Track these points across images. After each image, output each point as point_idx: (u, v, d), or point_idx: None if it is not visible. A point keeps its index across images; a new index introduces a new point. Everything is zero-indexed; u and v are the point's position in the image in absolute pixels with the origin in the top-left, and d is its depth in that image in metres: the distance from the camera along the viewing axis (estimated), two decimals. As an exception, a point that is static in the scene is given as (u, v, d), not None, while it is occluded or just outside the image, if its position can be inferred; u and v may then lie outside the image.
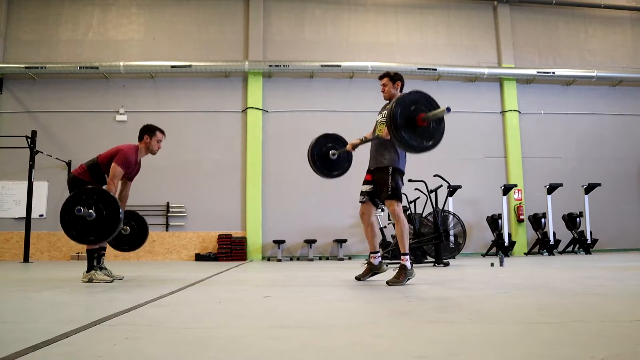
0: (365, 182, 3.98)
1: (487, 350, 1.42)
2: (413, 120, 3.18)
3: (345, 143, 4.45)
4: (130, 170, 4.38)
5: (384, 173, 3.79)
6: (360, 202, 4.00)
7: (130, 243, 4.70)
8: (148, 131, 4.48)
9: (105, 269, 4.27)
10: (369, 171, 3.99)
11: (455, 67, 11.08)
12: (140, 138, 4.48)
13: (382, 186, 3.78)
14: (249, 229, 10.33)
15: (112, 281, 4.06)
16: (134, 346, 1.53)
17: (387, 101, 4.06)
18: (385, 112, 3.95)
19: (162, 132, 4.59)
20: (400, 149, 3.80)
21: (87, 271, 4.09)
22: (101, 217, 3.71)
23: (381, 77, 4.05)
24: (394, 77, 4.00)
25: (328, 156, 4.43)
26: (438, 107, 3.29)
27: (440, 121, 3.30)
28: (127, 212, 4.52)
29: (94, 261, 4.13)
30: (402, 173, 3.87)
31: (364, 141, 4.11)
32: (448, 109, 3.05)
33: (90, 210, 3.67)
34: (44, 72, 10.45)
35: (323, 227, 10.41)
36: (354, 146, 4.18)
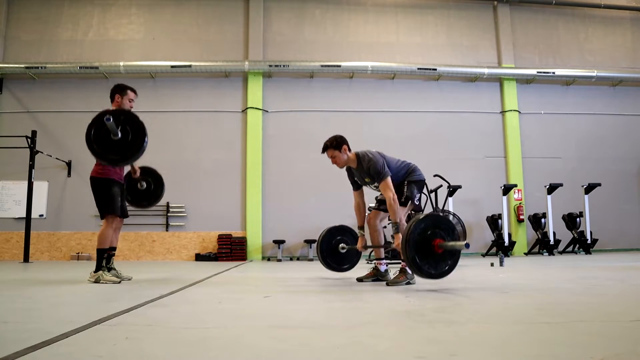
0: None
1: (487, 350, 1.42)
2: (429, 244, 3.06)
3: (354, 234, 4.44)
4: None
5: (400, 185, 3.82)
6: (371, 208, 4.04)
7: (147, 198, 4.77)
8: (119, 90, 4.40)
9: (114, 269, 4.20)
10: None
11: (455, 67, 11.07)
12: (112, 99, 4.41)
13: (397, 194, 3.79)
14: (249, 229, 10.32)
15: (119, 282, 3.98)
16: (134, 346, 1.53)
17: (346, 169, 3.96)
18: (370, 186, 3.88)
19: (133, 90, 4.50)
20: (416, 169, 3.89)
21: (95, 271, 4.01)
22: (126, 138, 3.66)
23: (324, 150, 3.83)
24: (337, 145, 3.78)
25: (337, 250, 4.42)
26: (457, 236, 3.16)
27: (455, 252, 3.16)
28: (144, 168, 4.61)
29: (103, 261, 4.04)
30: (419, 183, 3.88)
31: (373, 245, 4.06)
32: (467, 245, 2.89)
33: (117, 128, 3.59)
34: (44, 72, 10.45)
35: (323, 227, 10.32)
36: (364, 247, 4.04)
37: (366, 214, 4.11)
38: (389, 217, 3.92)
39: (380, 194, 3.95)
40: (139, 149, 3.68)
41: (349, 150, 3.83)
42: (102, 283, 3.90)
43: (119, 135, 3.63)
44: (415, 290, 3.22)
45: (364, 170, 3.77)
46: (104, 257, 4.06)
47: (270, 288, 3.54)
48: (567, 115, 11.57)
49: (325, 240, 4.43)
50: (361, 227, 4.06)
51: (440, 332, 1.71)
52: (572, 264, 6.54)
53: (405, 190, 3.81)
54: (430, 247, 3.06)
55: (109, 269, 4.11)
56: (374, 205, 4.06)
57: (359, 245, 4.04)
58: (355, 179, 3.98)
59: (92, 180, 4.15)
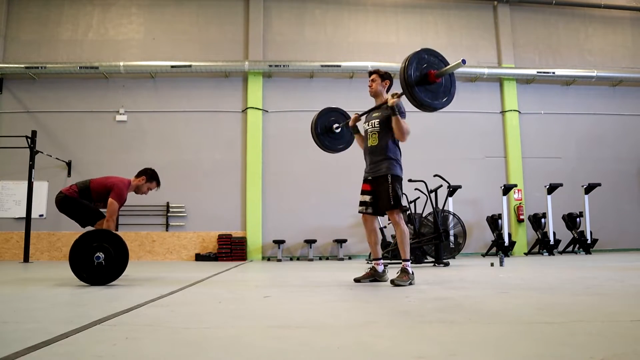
0: (364, 192, 3.92)
1: (487, 350, 1.42)
2: (426, 77, 3.15)
3: (347, 116, 4.50)
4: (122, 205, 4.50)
5: (384, 183, 3.76)
6: (359, 212, 3.95)
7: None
8: (149, 177, 4.61)
9: None
10: (366, 180, 3.93)
11: (455, 67, 11.06)
12: (138, 176, 4.60)
13: (383, 197, 3.76)
14: (249, 229, 10.32)
15: None
16: (134, 346, 1.53)
17: (372, 107, 4.02)
18: (373, 121, 3.91)
19: (159, 184, 4.71)
20: (398, 154, 3.87)
21: None
22: (110, 259, 3.69)
23: (371, 73, 4.05)
24: (384, 75, 4.01)
25: (332, 130, 4.45)
26: (448, 63, 3.25)
27: (451, 76, 3.28)
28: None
29: None
30: (400, 180, 3.86)
31: (362, 114, 4.16)
32: (463, 61, 3.02)
33: (100, 254, 3.67)
34: (44, 72, 10.45)
35: (323, 227, 10.41)
36: (356, 121, 4.20)
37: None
38: (388, 217, 3.91)
39: (362, 194, 3.93)
40: (124, 268, 3.79)
41: (388, 90, 4.01)
42: None
43: (102, 258, 3.69)
44: (416, 290, 3.22)
45: (382, 107, 3.86)
46: None
47: (270, 288, 3.54)
48: (567, 115, 11.57)
49: (320, 121, 4.45)
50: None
51: (440, 332, 1.71)
52: (572, 264, 6.54)
53: (390, 190, 3.73)
54: (427, 79, 3.16)
55: None
56: (363, 209, 3.95)
57: (351, 122, 4.19)
58: (365, 117, 4.08)
59: (62, 200, 4.39)
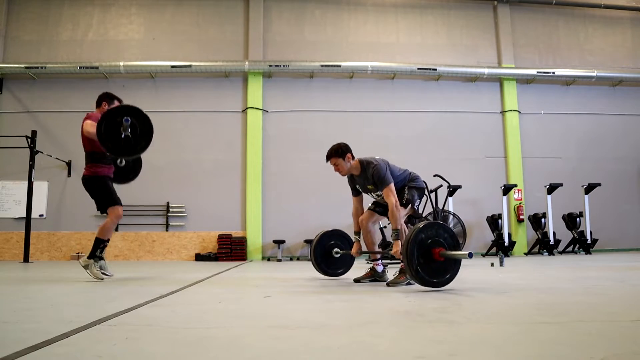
0: (379, 195, 3.96)
1: (487, 350, 1.42)
2: (429, 252, 3.04)
3: (348, 239, 4.44)
4: None
5: (400, 189, 3.83)
6: (368, 208, 4.04)
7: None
8: (107, 98, 4.60)
9: (103, 259, 4.32)
10: None
11: (455, 67, 11.07)
12: (98, 104, 4.59)
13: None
14: (249, 229, 10.32)
15: (102, 279, 4.14)
16: (134, 346, 1.53)
17: (349, 176, 3.97)
18: (374, 193, 3.90)
19: (120, 101, 4.66)
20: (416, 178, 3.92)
21: (88, 257, 4.19)
22: (135, 133, 3.98)
23: (328, 158, 3.85)
24: (341, 153, 3.79)
25: (331, 254, 4.39)
26: (459, 246, 3.14)
27: (456, 262, 3.15)
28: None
29: (98, 251, 4.23)
30: (419, 190, 3.92)
31: (368, 251, 4.05)
32: (470, 255, 2.87)
33: (128, 124, 3.89)
34: (44, 72, 10.44)
35: (323, 227, 10.26)
36: (359, 252, 4.06)
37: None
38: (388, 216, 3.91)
39: (381, 197, 3.95)
40: (147, 145, 4.05)
41: (353, 158, 3.85)
42: (88, 273, 4.13)
43: (129, 132, 3.92)
44: (415, 290, 3.22)
45: (368, 178, 3.78)
46: (100, 247, 4.26)
47: (270, 288, 3.54)
48: (567, 115, 11.57)
49: (319, 245, 4.39)
50: (357, 233, 4.07)
51: (440, 332, 1.71)
52: (572, 264, 6.54)
53: (406, 193, 3.86)
54: (430, 256, 3.04)
55: (100, 259, 4.26)
56: (370, 206, 4.05)
57: (353, 251, 4.05)
58: (357, 186, 3.99)
59: (87, 180, 4.34)
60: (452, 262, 3.11)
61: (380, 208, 3.97)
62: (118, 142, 3.94)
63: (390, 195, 3.64)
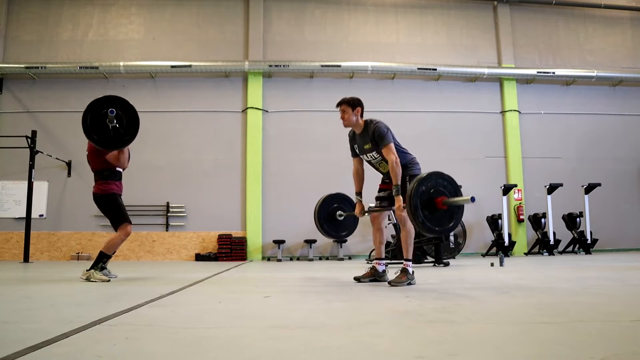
0: (381, 190, 3.96)
1: (487, 350, 1.42)
2: (432, 202, 3.07)
3: (351, 202, 4.42)
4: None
5: (403, 183, 3.76)
6: (374, 207, 3.99)
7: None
8: None
9: (106, 268, 4.31)
10: (384, 181, 3.97)
11: (455, 67, 11.07)
12: None
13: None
14: (249, 229, 10.32)
15: (109, 280, 4.12)
16: (134, 346, 1.53)
17: (351, 131, 3.95)
18: (372, 153, 3.81)
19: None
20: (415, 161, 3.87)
21: (88, 269, 4.18)
22: (122, 125, 4.01)
23: (339, 104, 3.88)
24: (353, 104, 3.83)
25: (335, 217, 4.40)
26: (460, 192, 3.18)
27: (460, 207, 3.19)
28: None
29: (100, 264, 4.21)
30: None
31: (370, 210, 4.02)
32: (472, 199, 2.93)
33: (113, 116, 3.92)
34: (44, 72, 10.44)
35: (323, 227, 10.38)
36: (362, 212, 4.04)
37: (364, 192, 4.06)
38: (389, 216, 3.91)
39: (379, 192, 3.94)
40: (134, 135, 4.14)
41: (361, 116, 3.87)
42: (93, 281, 4.06)
43: (115, 123, 3.95)
44: (415, 290, 3.22)
45: (368, 135, 3.76)
46: (103, 260, 4.24)
47: (270, 288, 3.54)
48: (567, 115, 11.57)
49: (323, 208, 4.41)
50: (359, 193, 4.06)
51: (440, 332, 1.71)
52: (572, 264, 6.54)
53: (407, 185, 3.77)
54: (434, 206, 3.07)
55: (102, 269, 4.23)
56: (374, 205, 4.03)
57: (357, 211, 4.05)
58: (355, 146, 3.96)
59: (97, 198, 4.36)
60: (455, 208, 3.16)
61: (386, 202, 3.92)
62: (105, 134, 3.98)
63: (390, 153, 3.64)
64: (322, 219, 4.39)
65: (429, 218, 3.05)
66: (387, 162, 3.68)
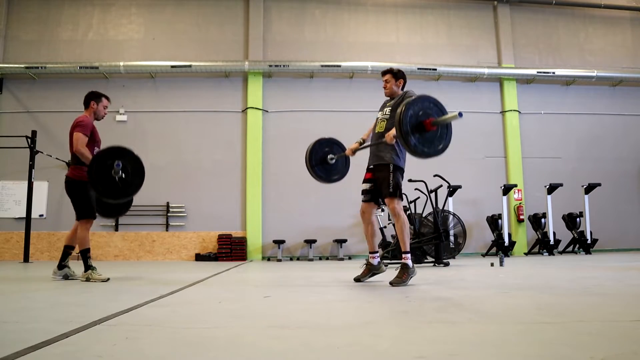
0: (366, 181, 3.95)
1: (487, 350, 1.42)
2: (422, 125, 3.14)
3: (342, 147, 4.42)
4: (93, 133, 4.48)
5: (385, 171, 3.77)
6: (363, 201, 3.98)
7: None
8: (94, 97, 4.58)
9: (92, 266, 4.33)
10: (368, 169, 3.96)
11: (455, 67, 11.07)
12: (87, 105, 4.58)
13: (383, 184, 3.77)
14: (249, 229, 10.32)
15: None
16: (134, 346, 1.53)
17: (388, 98, 4.05)
18: (386, 109, 3.95)
19: (107, 98, 4.67)
20: (401, 148, 3.79)
21: (85, 271, 4.21)
22: (127, 175, 3.93)
23: (384, 73, 4.07)
24: (397, 75, 4.02)
25: (326, 161, 4.41)
26: (446, 111, 3.24)
27: (448, 126, 3.27)
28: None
29: (88, 260, 4.27)
30: (402, 171, 3.87)
31: (362, 145, 4.11)
32: (460, 114, 3.01)
33: (119, 168, 3.86)
34: (44, 72, 10.44)
35: (323, 227, 10.41)
36: (354, 151, 4.15)
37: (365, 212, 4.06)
38: (389, 216, 3.91)
39: (364, 182, 3.96)
40: (139, 187, 4.05)
41: (402, 88, 4.03)
42: (92, 281, 4.10)
43: (121, 174, 3.89)
44: (416, 290, 3.22)
45: (397, 100, 3.85)
46: (88, 257, 4.31)
47: (270, 288, 3.54)
48: (567, 115, 11.57)
49: (314, 151, 4.42)
50: (362, 140, 4.17)
51: (440, 332, 1.71)
52: (572, 264, 6.54)
53: (391, 178, 3.75)
54: (424, 128, 3.14)
55: (93, 267, 4.26)
56: (364, 198, 3.99)
57: (348, 151, 4.17)
58: (378, 113, 4.05)
59: (69, 183, 4.33)
60: (444, 127, 3.25)
61: (370, 195, 3.92)
62: (110, 185, 3.90)
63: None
64: (314, 161, 4.41)
65: (421, 141, 3.14)
66: (389, 123, 3.79)
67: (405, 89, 4.04)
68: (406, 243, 3.71)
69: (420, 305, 2.42)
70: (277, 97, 10.98)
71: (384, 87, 4.04)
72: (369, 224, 3.98)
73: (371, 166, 3.93)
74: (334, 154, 4.41)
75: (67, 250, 4.50)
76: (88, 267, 4.21)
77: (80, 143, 4.22)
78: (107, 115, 4.69)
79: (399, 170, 3.81)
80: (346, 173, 4.57)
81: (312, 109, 10.92)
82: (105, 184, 3.88)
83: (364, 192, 3.97)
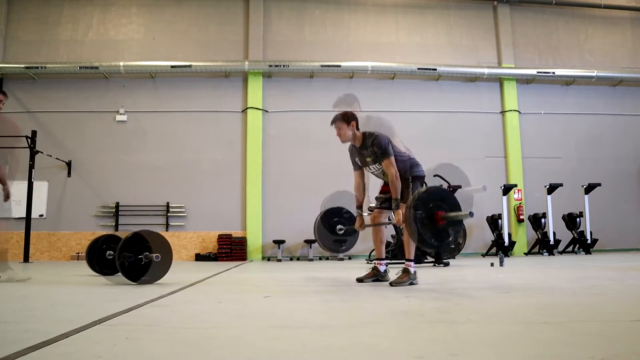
0: (382, 191, 3.95)
1: (487, 350, 1.42)
2: (432, 217, 3.09)
3: (351, 217, 4.40)
4: None
5: (403, 183, 3.76)
6: (375, 207, 3.98)
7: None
8: None
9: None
10: (386, 183, 3.92)
11: (455, 67, 11.07)
12: None
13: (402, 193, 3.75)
14: (249, 229, 10.32)
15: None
16: (134, 346, 1.53)
17: (349, 144, 3.89)
18: (374, 165, 3.79)
19: (4, 93, 4.64)
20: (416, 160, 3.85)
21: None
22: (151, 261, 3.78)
23: (332, 122, 3.78)
24: (347, 118, 3.73)
25: (335, 231, 4.41)
26: (458, 204, 3.19)
27: (458, 223, 3.21)
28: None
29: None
30: (420, 178, 3.87)
31: (371, 224, 3.99)
32: (471, 214, 2.95)
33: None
34: (44, 72, 10.44)
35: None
36: (362, 226, 3.99)
37: (368, 209, 4.09)
38: (389, 216, 3.91)
39: (381, 193, 3.94)
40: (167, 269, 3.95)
41: (357, 128, 3.80)
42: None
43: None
44: (416, 290, 3.22)
45: (367, 148, 3.74)
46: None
47: (270, 288, 3.54)
48: (567, 115, 11.57)
49: (322, 222, 4.41)
50: (359, 207, 4.03)
51: (440, 332, 1.71)
52: (572, 264, 6.54)
53: (411, 187, 3.77)
54: (432, 219, 3.09)
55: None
56: (375, 204, 4.03)
57: (357, 225, 4.02)
58: (357, 159, 3.92)
59: None
60: (453, 225, 3.19)
61: (387, 203, 3.92)
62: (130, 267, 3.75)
63: (390, 167, 3.63)
64: (322, 234, 4.40)
65: (429, 235, 3.08)
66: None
67: (362, 129, 3.82)
68: (411, 251, 3.71)
69: (420, 305, 2.42)
70: (277, 97, 10.98)
71: (338, 135, 3.78)
72: (379, 230, 3.98)
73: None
74: (342, 225, 4.39)
75: None
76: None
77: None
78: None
79: (417, 179, 3.82)
80: (355, 243, 4.62)
81: (312, 109, 10.91)
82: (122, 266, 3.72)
83: (378, 199, 3.96)
